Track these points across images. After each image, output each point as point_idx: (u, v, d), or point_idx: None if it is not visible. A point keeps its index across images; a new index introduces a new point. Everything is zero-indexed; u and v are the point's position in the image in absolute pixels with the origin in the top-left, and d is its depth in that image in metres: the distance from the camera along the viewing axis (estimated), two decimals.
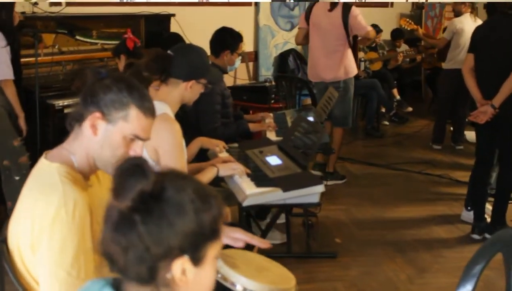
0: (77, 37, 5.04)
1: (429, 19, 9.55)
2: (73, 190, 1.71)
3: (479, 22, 6.41)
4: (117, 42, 5.25)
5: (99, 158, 1.80)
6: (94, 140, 1.77)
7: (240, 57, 4.26)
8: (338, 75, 5.24)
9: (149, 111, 1.80)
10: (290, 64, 7.17)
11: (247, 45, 7.04)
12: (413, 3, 10.10)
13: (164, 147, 2.64)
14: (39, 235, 1.66)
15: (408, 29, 7.68)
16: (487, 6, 4.60)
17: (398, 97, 8.10)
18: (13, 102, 4.00)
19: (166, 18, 5.63)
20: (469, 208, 4.63)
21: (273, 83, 6.32)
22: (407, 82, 8.70)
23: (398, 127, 7.82)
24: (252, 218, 3.96)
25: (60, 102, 4.59)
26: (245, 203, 2.74)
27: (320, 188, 2.81)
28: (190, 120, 3.87)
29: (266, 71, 7.29)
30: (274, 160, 3.20)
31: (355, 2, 8.60)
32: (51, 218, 1.65)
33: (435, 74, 8.37)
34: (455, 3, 6.83)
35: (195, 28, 6.16)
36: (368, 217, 4.73)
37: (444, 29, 8.29)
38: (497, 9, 4.32)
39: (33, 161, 4.14)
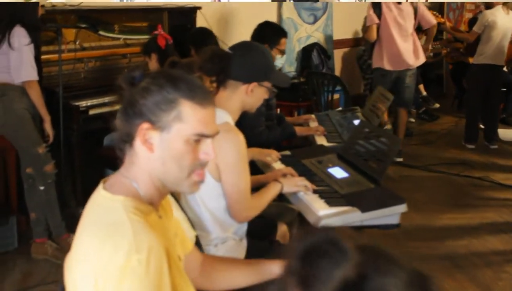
0: (100, 32, 4.67)
1: (451, 11, 9.21)
2: (146, 231, 1.35)
3: None
4: (139, 37, 4.93)
5: (166, 177, 1.46)
6: (152, 158, 1.43)
7: (283, 56, 3.90)
8: (420, 60, 5.74)
9: (205, 100, 1.47)
10: (314, 59, 6.79)
11: None
12: None
13: (227, 161, 2.30)
14: (104, 288, 1.30)
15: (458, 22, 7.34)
16: None
17: (424, 93, 7.74)
18: (38, 105, 3.65)
19: (191, 11, 5.26)
20: None
21: (302, 79, 5.98)
22: (431, 78, 8.36)
23: (425, 125, 7.48)
24: None
25: (84, 103, 4.26)
26: (320, 225, 2.39)
27: (402, 208, 2.47)
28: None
29: (289, 67, 6.93)
30: (338, 172, 2.86)
31: None
32: (120, 267, 1.29)
33: (459, 69, 8.06)
34: None
35: (221, 22, 5.82)
36: (415, 226, 4.39)
37: (470, 21, 7.98)
38: None
39: (58, 169, 3.80)
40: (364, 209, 2.42)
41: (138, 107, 1.42)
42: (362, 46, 7.27)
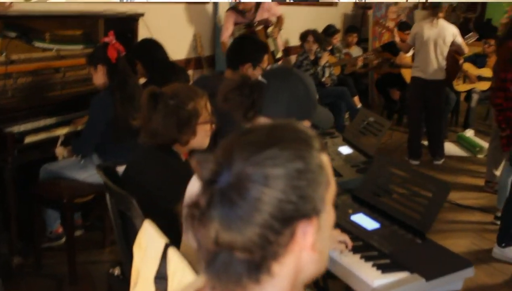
0: (34, 42, 3.95)
1: (377, 20, 9.06)
2: None
3: (446, 27, 5.99)
4: (73, 47, 4.26)
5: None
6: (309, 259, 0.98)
7: None
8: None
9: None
10: None
11: (205, 48, 6.16)
12: (355, 2, 9.63)
13: None
14: None
15: (383, 32, 7.11)
16: None
17: (359, 105, 7.48)
18: None
19: (132, 19, 4.62)
20: (503, 244, 4.10)
21: None
22: (362, 89, 8.16)
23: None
24: None
25: (16, 129, 3.56)
26: None
27: (470, 272, 2.07)
28: None
29: None
30: (366, 222, 2.42)
31: (303, 2, 8.02)
32: None
33: (385, 79, 7.92)
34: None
35: (163, 29, 5.22)
36: None
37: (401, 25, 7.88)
38: None
39: None
40: (428, 276, 1.99)
41: (294, 196, 0.93)
42: (299, 56, 6.90)
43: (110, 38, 3.55)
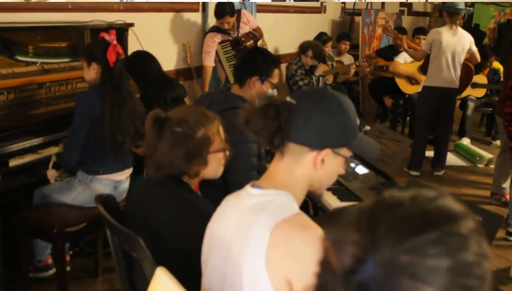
0: (17, 56, 3.64)
1: (366, 26, 8.88)
2: None
3: (464, 34, 5.77)
4: (59, 60, 3.96)
5: None
6: None
7: (274, 90, 3.12)
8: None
9: None
10: None
11: (194, 58, 5.88)
12: (342, 8, 9.44)
13: (304, 272, 1.52)
14: None
15: (391, 38, 6.88)
16: None
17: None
18: None
19: (121, 30, 4.32)
20: None
21: None
22: (354, 96, 7.94)
23: None
24: None
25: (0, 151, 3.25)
26: None
27: None
28: (214, 181, 2.70)
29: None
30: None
31: (289, 6, 7.79)
32: None
33: (378, 85, 7.73)
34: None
35: (151, 40, 4.93)
36: None
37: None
38: None
39: None
40: None
41: None
42: (294, 65, 6.66)
43: (111, 38, 3.26)
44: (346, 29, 9.28)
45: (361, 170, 3.14)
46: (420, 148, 6.01)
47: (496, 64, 7.53)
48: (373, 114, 8.34)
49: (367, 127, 7.23)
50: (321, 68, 6.60)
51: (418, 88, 7.38)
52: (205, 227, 1.99)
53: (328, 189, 2.91)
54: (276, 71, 3.07)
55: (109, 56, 3.21)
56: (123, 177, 3.40)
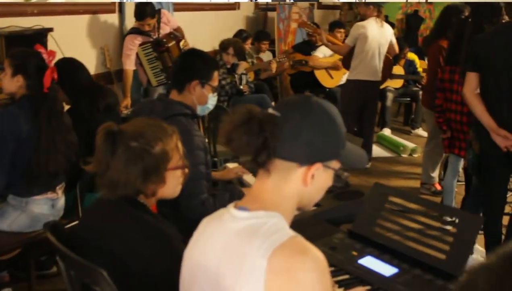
0: None
1: (281, 21, 8.86)
2: None
3: (387, 27, 5.82)
4: None
5: None
6: None
7: (215, 94, 2.97)
8: None
9: None
10: None
11: (114, 62, 5.62)
12: (256, 3, 9.38)
13: None
14: None
15: (310, 33, 6.80)
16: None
17: None
18: None
19: (39, 35, 4.03)
20: None
21: None
22: (275, 93, 7.91)
23: None
24: None
25: None
26: None
27: None
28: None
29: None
30: (379, 266, 2.10)
31: (205, 4, 7.65)
32: None
33: (299, 79, 7.74)
34: (359, 5, 6.08)
35: (69, 44, 4.65)
36: None
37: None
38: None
39: None
40: None
41: None
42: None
43: (49, 59, 2.97)
44: (260, 25, 9.23)
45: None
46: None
47: (411, 55, 7.71)
48: None
49: None
50: (242, 66, 6.50)
51: (338, 82, 7.45)
52: (174, 254, 1.83)
53: None
54: (216, 74, 2.93)
55: (45, 81, 2.93)
56: (59, 193, 3.14)
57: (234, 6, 8.60)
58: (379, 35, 5.70)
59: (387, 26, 5.82)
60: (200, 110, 2.93)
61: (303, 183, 1.50)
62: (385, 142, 6.99)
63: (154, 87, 5.72)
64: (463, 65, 3.80)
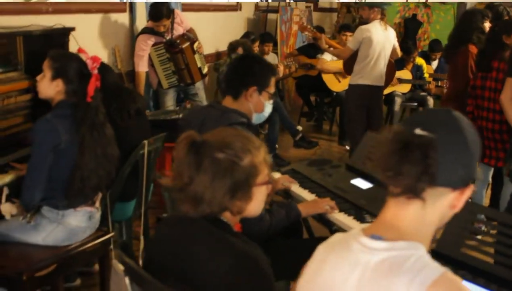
0: None
1: (283, 23, 8.72)
2: None
3: (390, 30, 5.66)
4: None
5: None
6: None
7: (271, 101, 2.80)
8: None
9: None
10: None
11: (125, 63, 5.42)
12: (255, 4, 9.22)
13: None
14: None
15: (311, 37, 6.61)
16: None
17: None
18: None
19: (59, 35, 3.81)
20: None
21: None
22: (282, 96, 7.76)
23: (301, 152, 6.70)
24: None
25: None
26: None
27: None
28: None
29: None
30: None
31: (209, 5, 7.48)
32: None
33: (304, 83, 7.63)
34: (362, 8, 5.90)
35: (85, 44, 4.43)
36: None
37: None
38: None
39: None
40: None
41: None
42: (224, 66, 6.33)
43: (93, 66, 2.78)
44: (261, 27, 9.08)
45: (361, 183, 2.93)
46: None
47: (419, 60, 7.61)
48: (297, 113, 8.18)
49: (299, 127, 6.99)
50: None
51: (346, 86, 7.31)
52: (265, 280, 1.68)
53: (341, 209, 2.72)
54: (273, 80, 2.77)
55: (89, 89, 2.74)
56: (97, 204, 2.95)
57: (236, 7, 8.43)
58: (383, 38, 5.50)
59: (390, 30, 5.63)
60: (256, 119, 2.76)
61: (450, 207, 1.37)
62: None
63: (165, 90, 5.53)
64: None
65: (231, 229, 1.81)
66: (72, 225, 2.80)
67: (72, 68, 2.77)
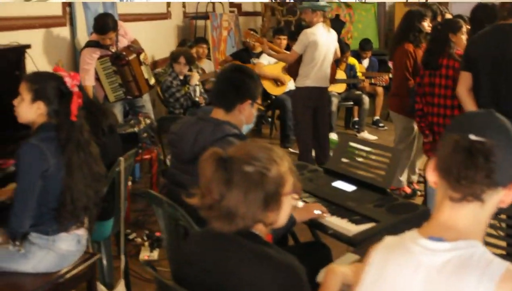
0: None
1: (214, 29, 8.74)
2: None
3: (333, 32, 5.80)
4: None
5: None
6: None
7: (256, 111, 2.83)
8: None
9: None
10: None
11: None
12: (183, 12, 9.19)
13: None
14: None
15: (253, 43, 6.64)
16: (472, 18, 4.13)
17: None
18: None
19: (15, 52, 3.68)
20: None
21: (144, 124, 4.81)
22: None
23: None
24: None
25: None
26: None
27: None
28: None
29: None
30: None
31: (142, 14, 7.41)
32: None
33: None
34: (305, 12, 6.00)
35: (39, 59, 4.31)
36: None
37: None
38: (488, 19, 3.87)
39: None
40: None
41: None
42: (168, 76, 6.28)
43: (72, 83, 2.69)
44: (190, 34, 9.06)
45: (344, 186, 3.01)
46: (308, 149, 5.91)
47: (351, 60, 7.82)
48: None
49: None
50: (196, 77, 6.34)
51: (285, 89, 7.43)
52: (305, 288, 1.72)
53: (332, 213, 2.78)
54: (260, 89, 2.81)
55: (72, 108, 2.66)
56: (86, 224, 2.87)
57: (166, 16, 8.39)
58: (328, 41, 5.63)
59: (333, 31, 5.77)
60: (245, 129, 2.79)
61: (500, 203, 1.46)
62: (335, 147, 7.01)
63: (111, 103, 5.43)
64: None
65: (263, 240, 1.83)
66: (63, 250, 2.72)
67: (52, 88, 2.68)
